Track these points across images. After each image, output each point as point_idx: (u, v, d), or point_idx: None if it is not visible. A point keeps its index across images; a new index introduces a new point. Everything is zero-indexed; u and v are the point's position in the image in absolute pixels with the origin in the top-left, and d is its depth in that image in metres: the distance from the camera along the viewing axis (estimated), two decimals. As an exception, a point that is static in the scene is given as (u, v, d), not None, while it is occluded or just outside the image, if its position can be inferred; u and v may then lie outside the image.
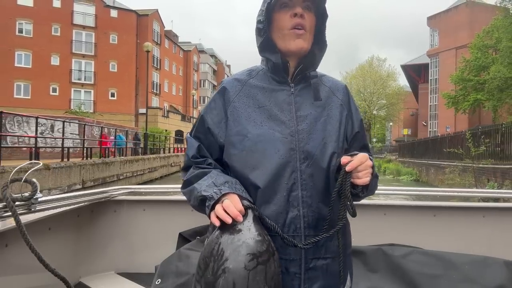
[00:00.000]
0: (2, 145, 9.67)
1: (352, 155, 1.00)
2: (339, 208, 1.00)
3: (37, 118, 11.83)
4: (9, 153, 12.34)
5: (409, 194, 2.39)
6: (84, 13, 34.28)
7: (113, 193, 2.14)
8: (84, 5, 34.42)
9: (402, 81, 52.59)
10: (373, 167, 1.02)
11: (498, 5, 21.38)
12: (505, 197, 2.45)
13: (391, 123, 55.06)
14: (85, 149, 14.57)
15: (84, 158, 14.01)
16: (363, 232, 2.18)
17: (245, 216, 0.91)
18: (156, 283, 1.76)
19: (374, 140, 54.75)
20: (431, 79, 42.17)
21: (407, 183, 22.31)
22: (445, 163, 18.56)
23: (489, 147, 14.69)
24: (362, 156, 0.98)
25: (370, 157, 1.06)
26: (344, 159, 0.98)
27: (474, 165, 14.37)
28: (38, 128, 12.32)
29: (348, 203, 0.98)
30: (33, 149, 10.93)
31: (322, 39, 1.12)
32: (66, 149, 12.60)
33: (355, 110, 1.17)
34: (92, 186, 12.60)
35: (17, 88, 32.05)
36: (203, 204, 0.98)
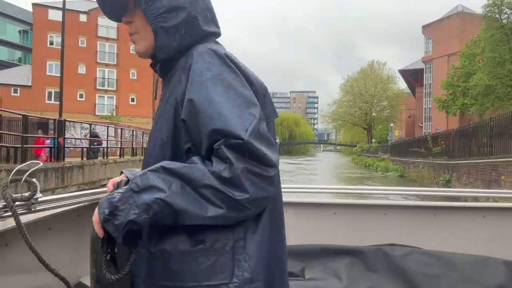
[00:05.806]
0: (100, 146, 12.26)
1: None
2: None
3: (108, 127, 14.63)
4: (70, 151, 14.52)
5: (409, 194, 2.23)
6: (107, 26, 34.67)
7: None
8: (107, 19, 34.89)
9: (404, 84, 51.56)
10: (100, 219, 0.78)
11: (485, 13, 20.80)
12: (505, 197, 2.29)
13: (391, 124, 54.10)
14: (132, 149, 17.84)
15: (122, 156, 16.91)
16: (363, 232, 2.03)
17: None
18: None
19: (373, 140, 53.98)
20: (425, 84, 41.66)
21: (393, 178, 24.05)
22: (419, 160, 21.22)
23: (444, 148, 17.61)
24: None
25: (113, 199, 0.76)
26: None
27: (433, 161, 17.51)
28: (82, 131, 13.86)
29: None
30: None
31: (165, 29, 0.82)
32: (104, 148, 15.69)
33: (191, 91, 0.75)
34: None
35: (48, 94, 32.79)
36: None
